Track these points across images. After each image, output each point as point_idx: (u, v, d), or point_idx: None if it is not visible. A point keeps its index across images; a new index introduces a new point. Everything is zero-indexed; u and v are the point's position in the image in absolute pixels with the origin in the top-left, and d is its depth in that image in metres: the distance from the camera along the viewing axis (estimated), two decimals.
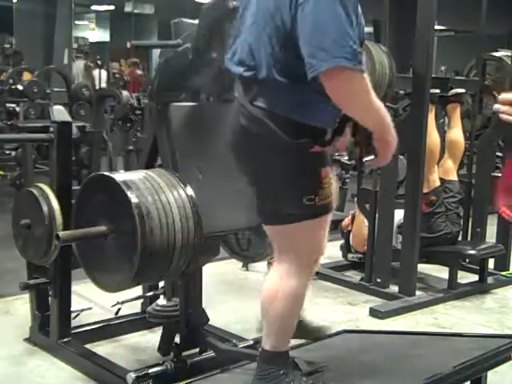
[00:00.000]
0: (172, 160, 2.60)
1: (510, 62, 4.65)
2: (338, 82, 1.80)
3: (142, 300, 3.28)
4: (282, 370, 2.13)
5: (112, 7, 19.19)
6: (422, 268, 4.24)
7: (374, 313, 3.73)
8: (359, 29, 1.88)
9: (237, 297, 3.87)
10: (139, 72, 13.00)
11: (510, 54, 4.83)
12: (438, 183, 4.24)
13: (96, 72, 12.37)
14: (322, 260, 4.57)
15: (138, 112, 5.71)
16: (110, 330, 3.25)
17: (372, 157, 2.01)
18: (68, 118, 5.74)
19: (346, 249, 4.60)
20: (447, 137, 4.60)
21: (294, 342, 2.82)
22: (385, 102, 3.94)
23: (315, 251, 2.10)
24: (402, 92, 4.35)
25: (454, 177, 4.44)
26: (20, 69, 8.00)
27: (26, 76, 7.91)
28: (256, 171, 2.06)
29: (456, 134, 4.53)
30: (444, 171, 4.39)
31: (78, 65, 12.31)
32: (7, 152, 6.89)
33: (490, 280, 4.32)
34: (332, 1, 1.77)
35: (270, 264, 4.22)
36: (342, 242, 4.60)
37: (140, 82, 12.23)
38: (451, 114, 4.54)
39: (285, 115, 1.92)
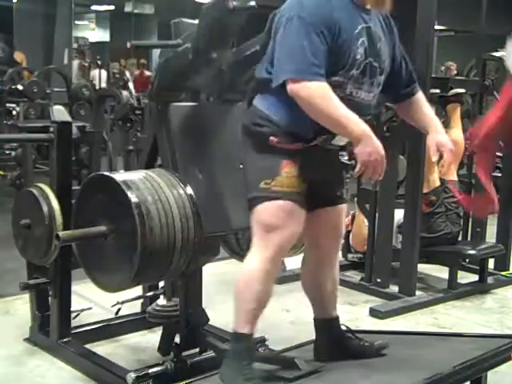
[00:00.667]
0: (172, 160, 2.60)
1: None
2: (292, 92, 2.11)
3: (141, 300, 3.28)
4: (245, 361, 2.21)
5: (112, 7, 19.18)
6: (422, 268, 4.24)
7: (373, 313, 3.73)
8: (345, 42, 2.15)
9: None
10: (148, 73, 12.93)
11: None
12: (437, 183, 4.24)
13: (96, 72, 12.35)
14: None
15: (138, 112, 5.71)
16: (110, 330, 3.25)
17: None
18: (68, 118, 5.74)
19: (346, 249, 4.60)
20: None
21: (293, 341, 2.84)
22: (385, 103, 3.93)
23: (277, 236, 2.18)
24: None
25: (454, 177, 4.44)
26: (20, 68, 8.00)
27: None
28: (243, 163, 2.34)
29: (456, 134, 4.52)
30: (445, 171, 4.39)
31: (74, 64, 12.26)
32: (7, 152, 6.88)
33: (490, 280, 4.32)
34: (294, 29, 2.12)
35: None
36: (342, 242, 4.60)
37: (148, 83, 12.18)
38: (451, 113, 4.54)
39: (262, 109, 2.24)
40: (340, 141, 2.29)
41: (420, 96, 2.49)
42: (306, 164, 2.24)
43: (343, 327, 2.55)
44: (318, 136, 2.23)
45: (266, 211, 2.21)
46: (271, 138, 2.20)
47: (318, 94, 2.10)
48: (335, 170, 2.45)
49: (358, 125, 2.11)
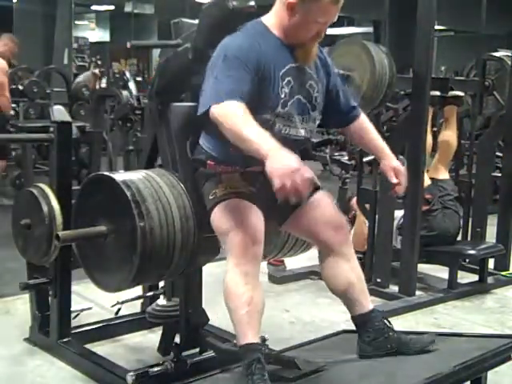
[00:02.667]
0: (172, 160, 2.60)
1: (510, 63, 4.64)
2: (212, 115, 2.16)
3: (141, 300, 3.28)
4: (249, 369, 2.15)
5: (112, 7, 19.18)
6: (422, 268, 4.23)
7: None
8: (269, 81, 2.26)
9: None
10: None
11: (510, 54, 4.82)
12: (428, 182, 4.25)
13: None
14: None
15: (137, 112, 5.70)
16: (109, 330, 3.25)
17: None
18: (68, 118, 5.73)
19: None
20: (440, 137, 4.61)
21: (293, 341, 2.84)
22: (385, 103, 3.93)
23: (235, 236, 2.18)
24: (402, 92, 4.35)
25: (445, 176, 4.45)
26: (20, 68, 8.00)
27: None
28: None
29: (449, 135, 4.55)
30: (435, 171, 4.41)
31: (87, 74, 12.01)
32: None
33: (490, 280, 4.32)
34: (218, 65, 2.22)
35: (270, 264, 4.24)
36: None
37: None
38: (448, 115, 4.55)
39: (204, 147, 2.43)
40: None
41: (363, 119, 2.58)
42: (249, 179, 2.33)
43: (343, 327, 2.54)
44: (254, 165, 2.29)
45: (217, 215, 2.29)
46: (209, 162, 2.37)
47: (228, 111, 2.12)
48: None
49: (265, 142, 2.03)
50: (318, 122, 2.48)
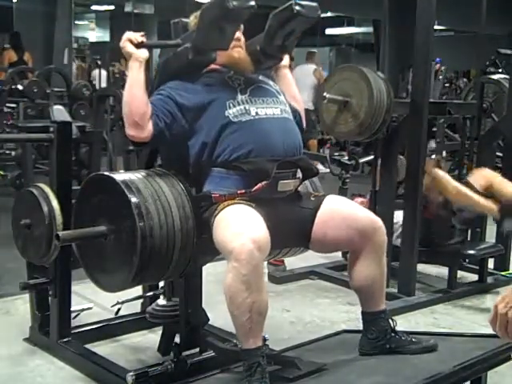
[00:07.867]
0: (172, 160, 2.60)
1: (507, 85, 4.64)
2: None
3: (141, 300, 3.28)
4: (249, 372, 2.16)
5: (112, 7, 19.16)
6: (422, 268, 4.24)
7: None
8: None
9: None
10: None
11: (507, 76, 4.83)
12: None
13: (96, 72, 12.32)
14: (322, 260, 4.58)
15: None
16: (109, 329, 3.25)
17: None
18: (68, 118, 5.72)
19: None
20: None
21: (293, 341, 2.84)
22: (383, 129, 3.96)
23: (236, 239, 2.15)
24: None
25: None
26: (20, 68, 7.99)
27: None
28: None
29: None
30: None
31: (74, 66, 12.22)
32: (7, 152, 6.88)
33: (489, 280, 4.32)
34: None
35: (270, 264, 4.24)
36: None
37: None
38: None
39: (206, 192, 2.44)
40: (286, 186, 2.42)
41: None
42: (255, 202, 2.34)
43: (343, 327, 2.55)
44: (255, 185, 2.36)
45: (218, 226, 2.29)
46: (213, 194, 2.38)
47: (128, 112, 2.42)
48: (293, 209, 2.49)
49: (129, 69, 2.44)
50: (288, 110, 2.56)
